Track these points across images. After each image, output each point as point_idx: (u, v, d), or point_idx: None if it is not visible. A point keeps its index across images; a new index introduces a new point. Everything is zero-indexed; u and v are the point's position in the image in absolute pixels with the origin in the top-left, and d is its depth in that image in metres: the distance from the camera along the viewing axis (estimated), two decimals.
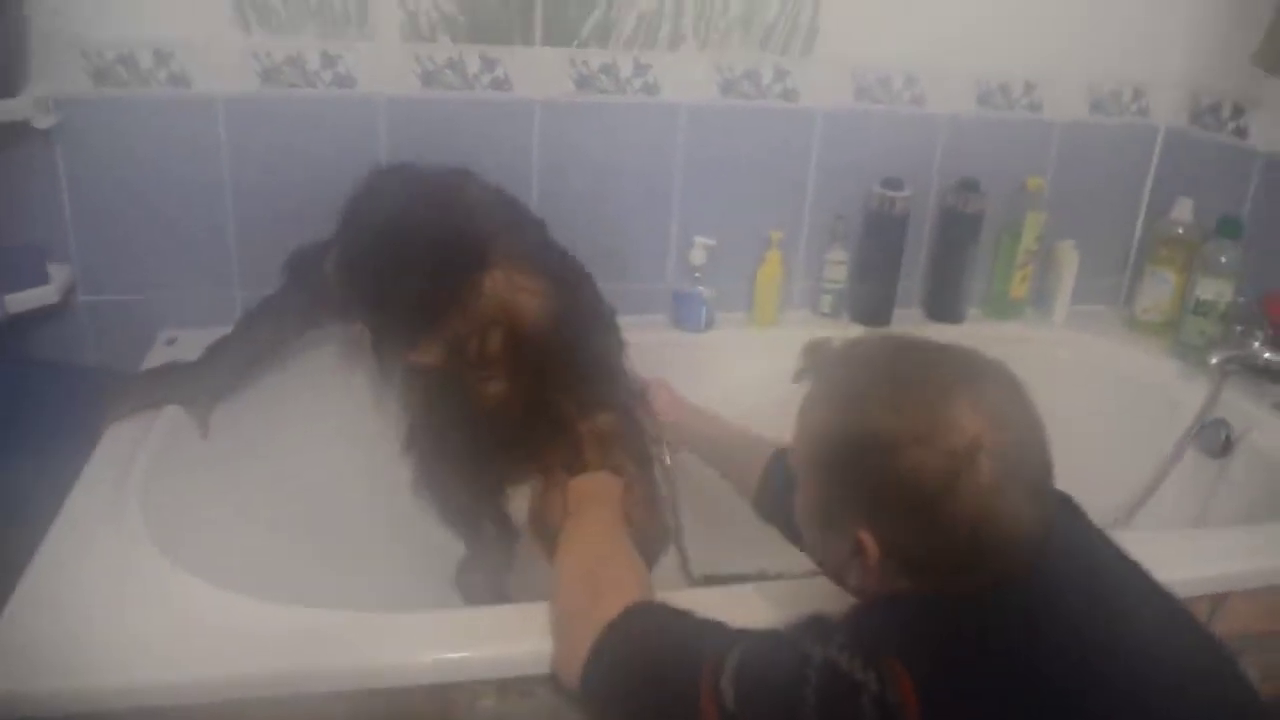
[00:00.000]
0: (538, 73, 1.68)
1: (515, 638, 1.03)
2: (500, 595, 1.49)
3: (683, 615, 0.97)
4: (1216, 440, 1.69)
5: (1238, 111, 1.84)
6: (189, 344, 1.53)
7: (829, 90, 1.82)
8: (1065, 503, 0.95)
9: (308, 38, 1.59)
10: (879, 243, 1.89)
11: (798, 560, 1.37)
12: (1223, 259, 1.76)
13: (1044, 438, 0.84)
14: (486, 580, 1.51)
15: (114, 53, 1.53)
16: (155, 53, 1.54)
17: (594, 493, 1.24)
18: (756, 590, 1.14)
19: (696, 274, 1.80)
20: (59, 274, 1.58)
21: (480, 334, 1.27)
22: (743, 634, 0.89)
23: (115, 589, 1.05)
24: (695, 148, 1.79)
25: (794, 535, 1.17)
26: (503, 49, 1.66)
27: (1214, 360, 1.71)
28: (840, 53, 1.79)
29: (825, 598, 0.98)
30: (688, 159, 1.79)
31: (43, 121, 1.50)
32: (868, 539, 0.84)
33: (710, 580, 1.56)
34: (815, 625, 0.86)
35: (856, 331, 1.85)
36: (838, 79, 1.81)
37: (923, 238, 1.97)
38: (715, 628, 0.92)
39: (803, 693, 0.78)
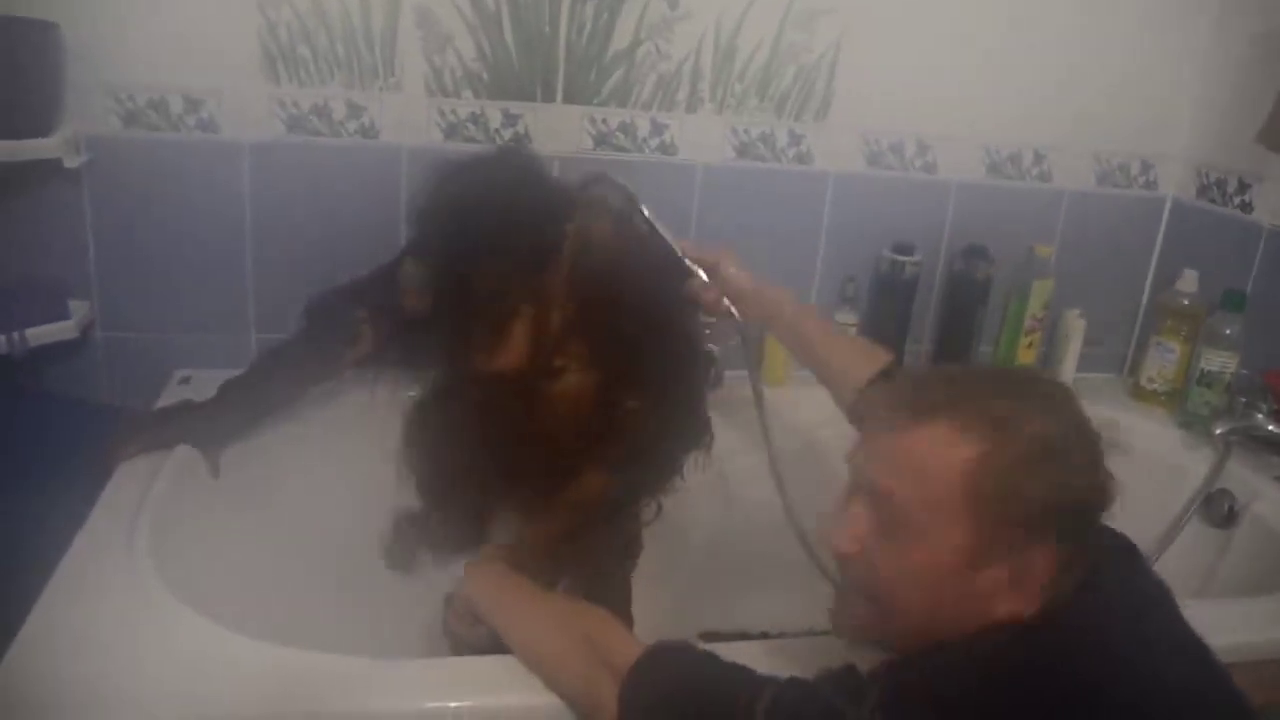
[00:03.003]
0: (557, 129, 1.72)
1: (512, 689, 1.03)
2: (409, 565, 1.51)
3: (705, 658, 0.96)
4: (1220, 511, 1.69)
5: (1243, 187, 1.87)
6: (204, 383, 1.55)
7: (842, 155, 1.85)
8: (1129, 550, 0.97)
9: (334, 88, 1.63)
10: (888, 305, 1.91)
11: (801, 620, 1.38)
12: (1227, 331, 1.78)
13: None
14: (416, 543, 1.51)
15: (146, 97, 1.57)
16: (186, 98, 1.58)
17: (495, 583, 1.20)
18: (759, 648, 1.13)
19: (707, 331, 1.81)
20: (79, 310, 1.60)
21: (562, 297, 1.28)
22: (770, 681, 0.88)
23: (123, 627, 1.05)
24: (709, 207, 1.82)
25: None
26: (524, 105, 1.70)
27: (1218, 431, 1.72)
28: (854, 119, 1.83)
29: (833, 659, 0.98)
30: (702, 217, 1.82)
31: (72, 160, 1.52)
32: (1045, 555, 0.84)
33: (710, 637, 1.56)
34: (848, 680, 0.86)
35: None
36: (851, 144, 1.85)
37: (931, 302, 1.99)
38: (740, 671, 0.92)
39: None
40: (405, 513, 1.51)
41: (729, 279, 1.38)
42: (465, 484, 1.44)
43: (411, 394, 1.44)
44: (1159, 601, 0.92)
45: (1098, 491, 0.86)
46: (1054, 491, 0.83)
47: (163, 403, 1.55)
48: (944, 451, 0.84)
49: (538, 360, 1.30)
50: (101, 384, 1.68)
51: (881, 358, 1.30)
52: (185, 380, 1.65)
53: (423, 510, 1.50)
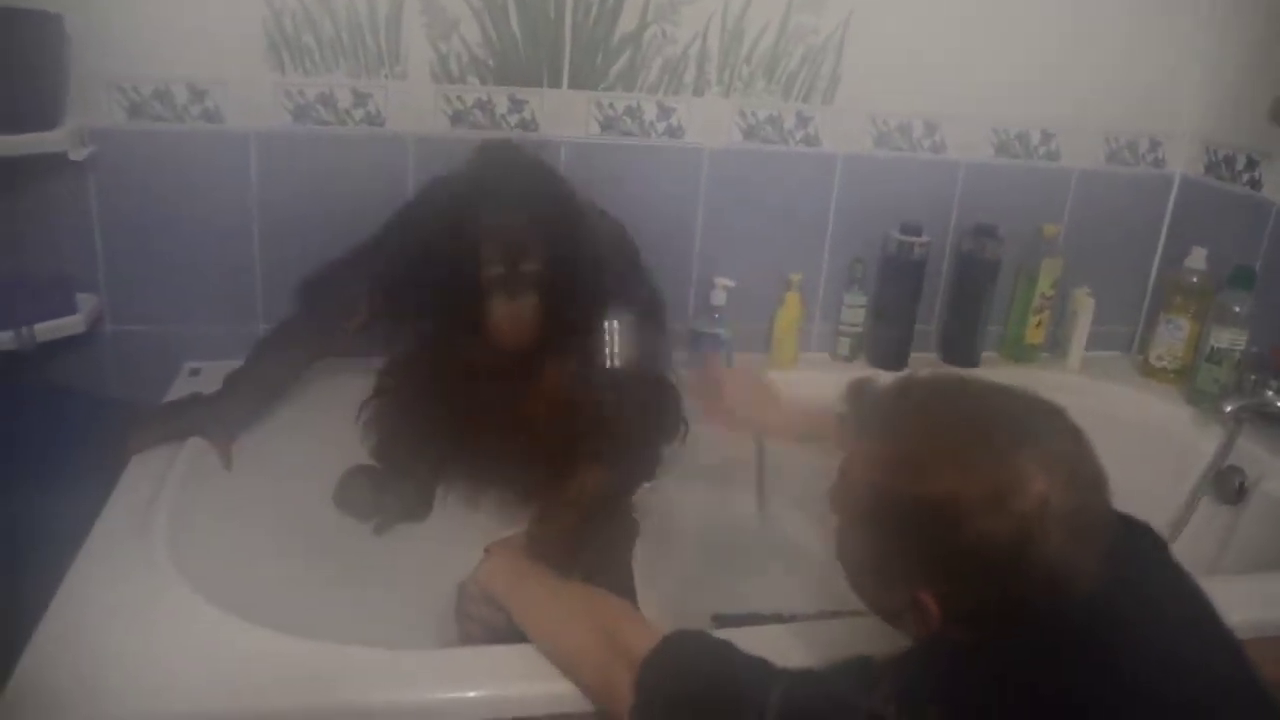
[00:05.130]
0: (564, 114, 1.71)
1: (529, 678, 1.04)
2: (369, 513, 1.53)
3: (720, 647, 0.96)
4: (1230, 487, 1.69)
5: (1252, 164, 1.86)
6: (213, 375, 1.55)
7: (850, 136, 1.84)
8: (1148, 535, 0.94)
9: (339, 76, 1.62)
10: (897, 287, 1.91)
11: (813, 602, 1.39)
12: (1236, 308, 1.77)
13: (1106, 489, 0.83)
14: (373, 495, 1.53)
15: (150, 88, 1.56)
16: (190, 89, 1.58)
17: (513, 568, 1.18)
18: (773, 632, 1.13)
19: (716, 315, 1.81)
20: (87, 303, 1.60)
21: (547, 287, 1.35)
22: (783, 673, 0.88)
23: (140, 619, 1.06)
24: (717, 190, 1.81)
25: None
26: (531, 90, 1.69)
27: (1228, 408, 1.71)
28: (861, 100, 1.82)
29: (845, 641, 0.98)
30: (709, 201, 1.82)
31: (78, 154, 1.51)
32: (929, 600, 0.83)
33: (723, 620, 1.56)
34: (860, 670, 0.86)
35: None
36: (858, 125, 1.84)
37: (940, 282, 1.99)
38: (754, 662, 0.92)
39: None
40: (360, 467, 1.55)
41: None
42: (419, 451, 1.53)
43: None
44: (1178, 600, 0.91)
45: (1008, 561, 0.79)
46: (943, 547, 0.81)
47: (172, 396, 1.55)
48: (864, 464, 0.89)
49: (539, 343, 1.38)
50: (110, 378, 1.68)
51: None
52: (195, 372, 1.65)
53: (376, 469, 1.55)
